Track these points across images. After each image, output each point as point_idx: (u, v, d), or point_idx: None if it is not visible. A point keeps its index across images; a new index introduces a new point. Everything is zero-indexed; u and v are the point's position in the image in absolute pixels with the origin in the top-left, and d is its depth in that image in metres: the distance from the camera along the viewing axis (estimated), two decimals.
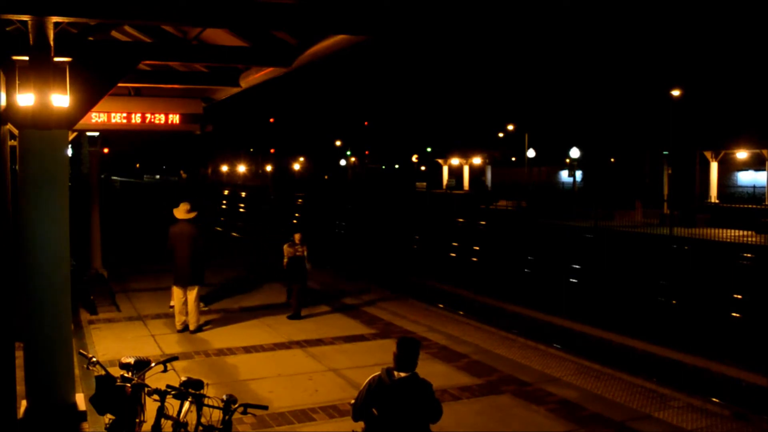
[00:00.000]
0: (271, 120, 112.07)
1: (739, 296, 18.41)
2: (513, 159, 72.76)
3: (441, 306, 15.11)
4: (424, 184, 79.11)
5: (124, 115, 11.59)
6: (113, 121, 11.56)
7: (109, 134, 15.67)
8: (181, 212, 11.64)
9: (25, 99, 7.11)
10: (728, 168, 47.94)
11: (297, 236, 13.35)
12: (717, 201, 43.50)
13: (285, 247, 13.36)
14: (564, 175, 65.25)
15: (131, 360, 6.24)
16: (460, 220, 41.46)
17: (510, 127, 70.24)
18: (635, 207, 38.93)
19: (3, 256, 7.02)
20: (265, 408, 5.77)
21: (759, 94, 47.18)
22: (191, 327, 11.61)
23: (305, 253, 13.22)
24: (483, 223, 39.29)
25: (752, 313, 16.82)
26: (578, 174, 54.54)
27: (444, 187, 72.38)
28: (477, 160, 72.29)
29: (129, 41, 10.77)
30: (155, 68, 11.30)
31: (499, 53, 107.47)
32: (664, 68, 62.07)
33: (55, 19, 6.87)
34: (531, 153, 60.37)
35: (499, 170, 71.88)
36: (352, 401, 5.17)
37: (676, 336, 14.21)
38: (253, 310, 13.35)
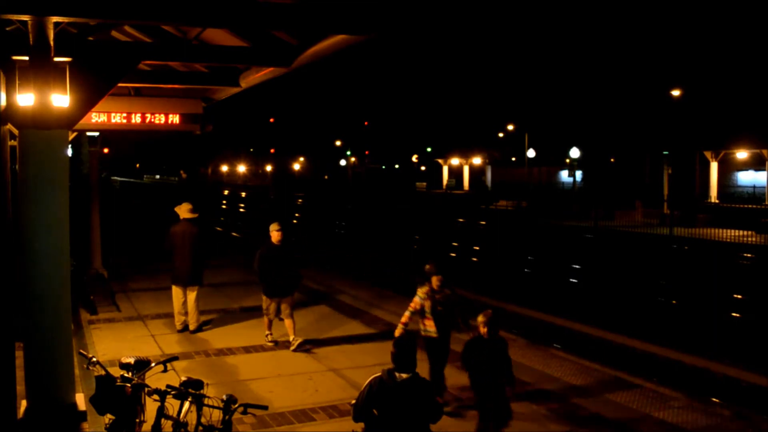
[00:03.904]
0: (271, 120, 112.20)
1: (739, 296, 18.40)
2: (513, 159, 72.83)
3: None
4: (424, 184, 79.30)
5: (124, 115, 11.58)
6: (113, 121, 11.55)
7: (109, 134, 15.67)
8: (183, 211, 11.63)
9: (25, 99, 7.11)
10: (728, 168, 47.98)
11: (435, 279, 7.96)
12: (717, 201, 43.54)
13: (417, 299, 8.04)
14: (564, 175, 65.35)
15: (131, 360, 6.24)
16: (460, 220, 41.46)
17: (510, 127, 70.30)
18: (635, 207, 39.00)
19: (3, 255, 7.02)
20: (265, 408, 5.77)
21: (759, 94, 47.22)
22: (191, 327, 11.61)
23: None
24: (483, 223, 39.30)
25: (752, 313, 16.80)
26: (578, 174, 54.62)
27: (444, 187, 72.48)
28: (477, 160, 72.37)
29: (129, 41, 10.78)
30: (155, 68, 11.30)
31: (500, 53, 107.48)
32: (664, 68, 62.15)
33: (55, 19, 6.87)
34: (531, 153, 60.39)
35: (499, 170, 71.96)
36: (353, 401, 5.17)
37: (676, 336, 14.20)
38: (253, 310, 13.31)
